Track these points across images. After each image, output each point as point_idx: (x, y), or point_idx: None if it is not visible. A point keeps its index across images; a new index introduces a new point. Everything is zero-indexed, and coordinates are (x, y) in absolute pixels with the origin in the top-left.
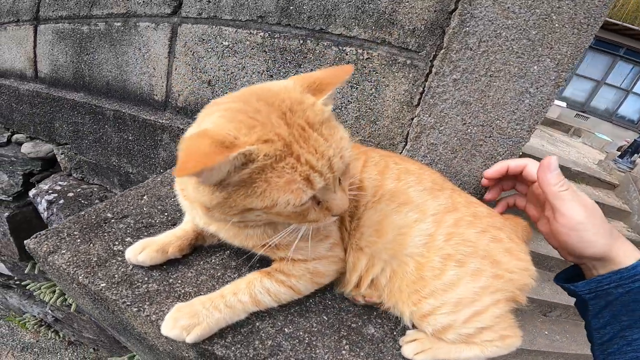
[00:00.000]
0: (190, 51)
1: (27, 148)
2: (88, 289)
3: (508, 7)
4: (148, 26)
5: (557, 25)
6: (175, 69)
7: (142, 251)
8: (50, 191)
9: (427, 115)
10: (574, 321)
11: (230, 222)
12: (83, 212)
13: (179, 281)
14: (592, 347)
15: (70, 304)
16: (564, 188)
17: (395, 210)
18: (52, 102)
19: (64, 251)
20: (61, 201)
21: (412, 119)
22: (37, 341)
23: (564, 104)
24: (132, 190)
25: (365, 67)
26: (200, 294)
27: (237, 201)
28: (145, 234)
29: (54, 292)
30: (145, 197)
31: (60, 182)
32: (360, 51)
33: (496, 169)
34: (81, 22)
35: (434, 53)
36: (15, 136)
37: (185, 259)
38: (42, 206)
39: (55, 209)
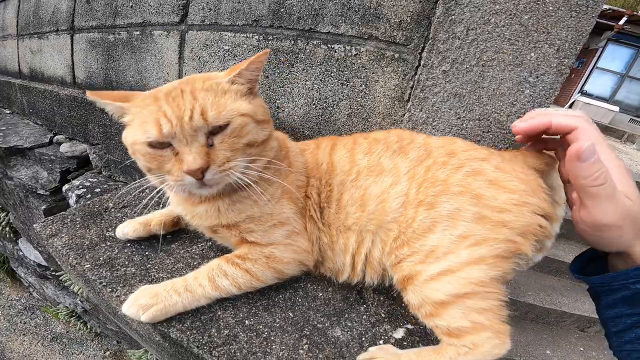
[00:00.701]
0: (197, 56)
1: (65, 147)
2: (76, 270)
3: None
4: (161, 34)
5: (551, 8)
6: (185, 73)
7: (127, 225)
8: (80, 186)
9: (418, 110)
10: None
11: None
12: (89, 202)
13: (156, 267)
14: (606, 333)
15: None
16: (597, 183)
17: (373, 182)
18: (87, 106)
19: (64, 235)
20: (88, 196)
21: (404, 114)
22: (67, 332)
23: (616, 109)
24: (136, 183)
25: (354, 64)
26: None
27: (127, 138)
28: None
29: None
30: (146, 190)
31: (90, 179)
32: (348, 48)
33: (532, 124)
34: (108, 32)
35: (422, 45)
36: (56, 137)
37: (168, 247)
38: (72, 200)
39: (82, 202)
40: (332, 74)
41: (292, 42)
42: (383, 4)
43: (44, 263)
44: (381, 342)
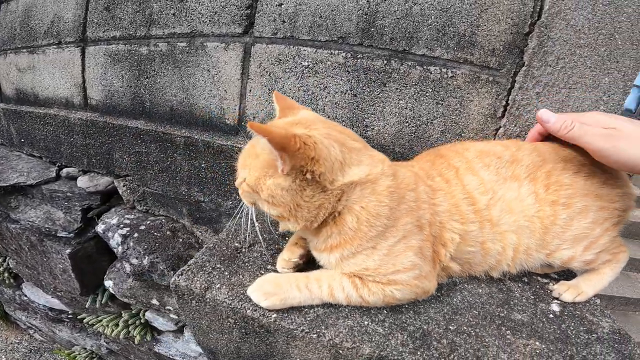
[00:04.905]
0: (267, 72)
1: (84, 182)
2: (258, 322)
3: (579, 29)
4: (217, 46)
5: (619, 42)
6: (250, 90)
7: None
8: (121, 225)
9: (512, 125)
10: None
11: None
12: (211, 244)
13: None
14: None
15: (134, 336)
16: (567, 130)
17: (506, 189)
18: (111, 131)
19: (219, 285)
20: (135, 234)
21: (497, 129)
22: None
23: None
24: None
25: (449, 85)
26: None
27: None
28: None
29: (116, 325)
30: (257, 224)
31: (127, 216)
32: (444, 70)
33: (528, 138)
34: (139, 43)
35: (515, 70)
36: (65, 170)
37: None
38: (114, 241)
39: (131, 243)
40: (427, 94)
41: (385, 61)
42: (477, 32)
43: (57, 307)
44: (551, 315)
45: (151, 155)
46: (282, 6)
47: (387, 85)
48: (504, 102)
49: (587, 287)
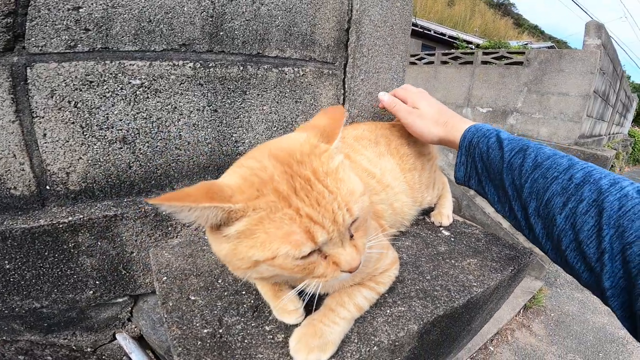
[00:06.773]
0: (70, 102)
1: None
2: None
3: (376, 24)
4: None
5: (397, 32)
6: (45, 134)
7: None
8: None
9: (353, 108)
10: None
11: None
12: (179, 348)
13: None
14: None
15: None
16: (391, 107)
17: (383, 162)
18: None
19: None
20: None
21: (344, 113)
22: None
23: None
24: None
25: (302, 82)
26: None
27: (243, 253)
28: None
29: None
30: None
31: None
32: (296, 69)
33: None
34: None
35: (344, 62)
36: None
37: None
38: None
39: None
40: (287, 95)
41: (241, 67)
42: (315, 31)
43: None
44: (452, 239)
45: None
46: (81, 10)
47: (247, 92)
48: (342, 91)
49: (446, 210)
